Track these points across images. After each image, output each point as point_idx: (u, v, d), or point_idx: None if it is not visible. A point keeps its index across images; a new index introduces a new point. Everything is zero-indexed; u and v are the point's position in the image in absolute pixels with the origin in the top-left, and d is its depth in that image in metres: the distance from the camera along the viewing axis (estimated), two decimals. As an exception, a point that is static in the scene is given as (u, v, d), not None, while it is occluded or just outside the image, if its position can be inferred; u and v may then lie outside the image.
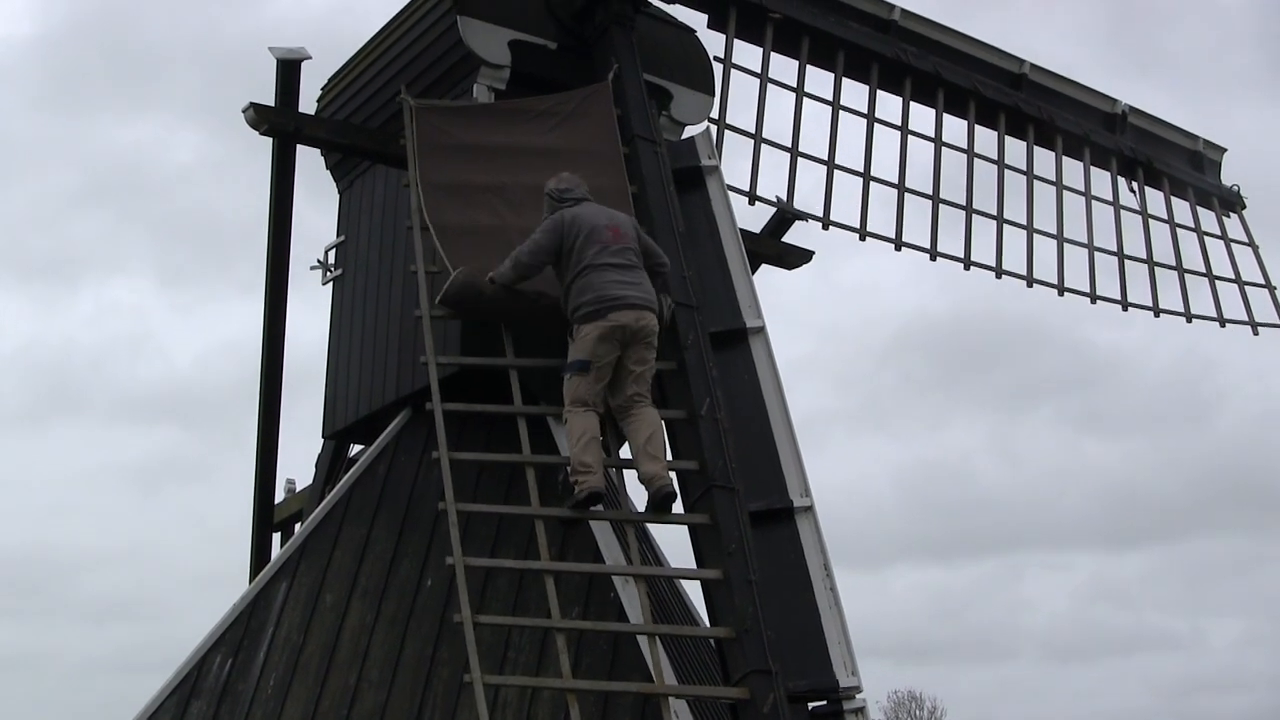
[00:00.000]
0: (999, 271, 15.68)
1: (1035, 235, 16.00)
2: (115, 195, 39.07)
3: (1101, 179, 16.98)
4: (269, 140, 13.25)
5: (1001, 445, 41.11)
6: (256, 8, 37.63)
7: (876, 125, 15.02)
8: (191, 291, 40.06)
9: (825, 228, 14.47)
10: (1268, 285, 17.79)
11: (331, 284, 14.86)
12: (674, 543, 12.06)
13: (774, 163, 14.20)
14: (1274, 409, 40.05)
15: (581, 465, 10.64)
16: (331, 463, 14.62)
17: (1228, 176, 18.41)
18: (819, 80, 14.76)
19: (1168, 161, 17.75)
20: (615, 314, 10.76)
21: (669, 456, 10.90)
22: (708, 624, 10.69)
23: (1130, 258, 16.88)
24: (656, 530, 12.68)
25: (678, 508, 10.82)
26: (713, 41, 14.31)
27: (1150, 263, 17.08)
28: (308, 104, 14.09)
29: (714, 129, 13.74)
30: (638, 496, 11.51)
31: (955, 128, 15.71)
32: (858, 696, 10.06)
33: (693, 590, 12.46)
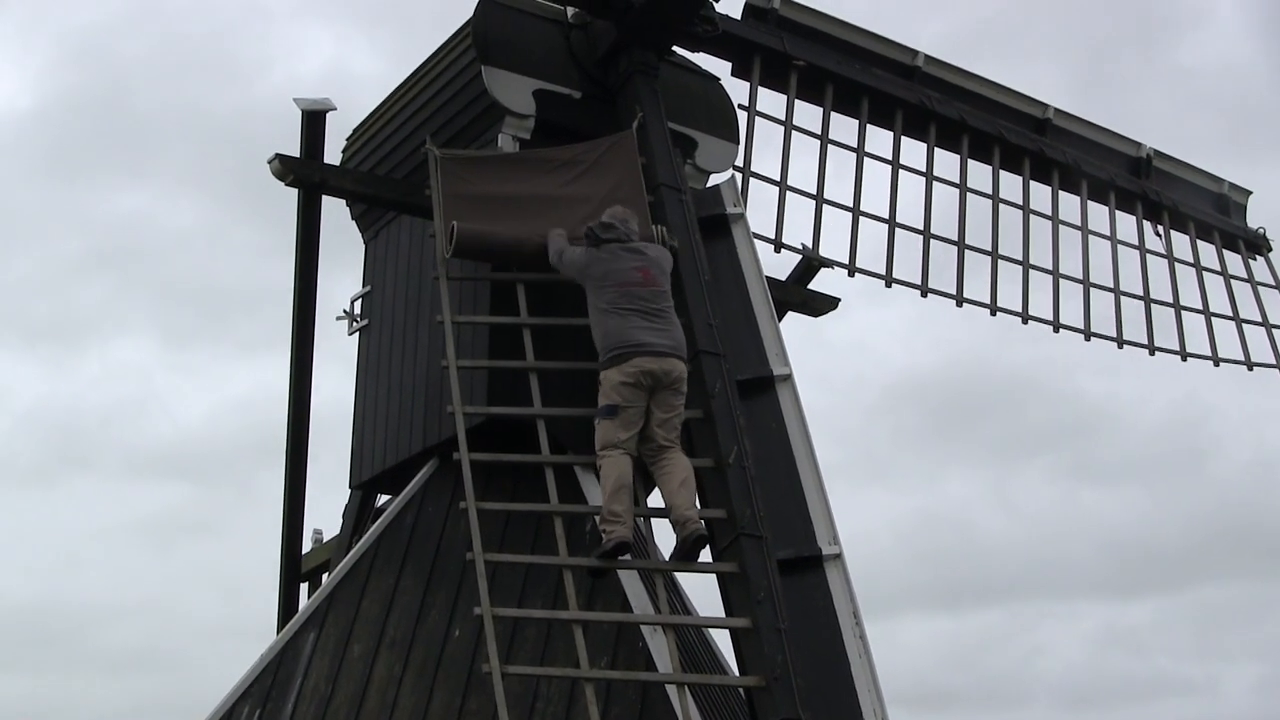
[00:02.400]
0: (1025, 317, 15.66)
1: (1061, 280, 15.97)
2: (116, 261, 39.62)
3: (1127, 223, 16.96)
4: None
5: (999, 496, 41.07)
6: (246, 84, 38.23)
7: (901, 171, 15.03)
8: (194, 352, 40.49)
9: (851, 274, 14.48)
10: (1294, 327, 17.73)
11: (357, 334, 14.86)
12: (702, 591, 12.02)
13: (799, 209, 14.22)
14: (1269, 456, 40.05)
15: (611, 515, 10.59)
16: (358, 513, 14.58)
17: (1254, 219, 18.40)
18: (843, 127, 14.81)
19: (1193, 205, 17.73)
20: (638, 359, 10.76)
21: (698, 504, 10.88)
22: (737, 673, 10.65)
23: (1156, 301, 16.86)
24: (684, 579, 12.63)
25: (706, 555, 10.80)
26: (737, 89, 14.36)
27: (1176, 306, 17.05)
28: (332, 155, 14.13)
29: (739, 176, 13.76)
30: (666, 545, 11.48)
31: (980, 173, 15.72)
32: (889, 745, 10.03)
33: (721, 639, 12.40)
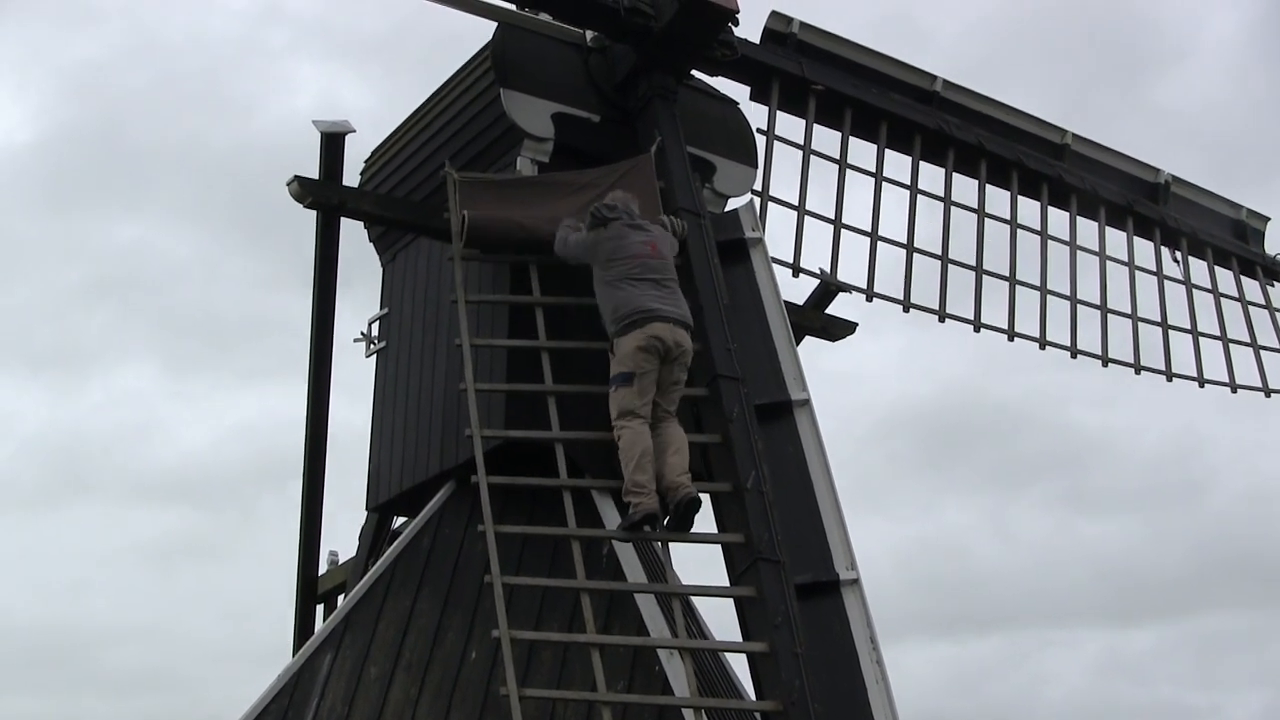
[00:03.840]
0: (1043, 343, 15.65)
1: (1079, 306, 15.96)
2: (116, 290, 40.18)
3: (1144, 249, 16.95)
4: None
5: (995, 524, 41.18)
6: (241, 118, 38.79)
7: (920, 196, 15.04)
8: (195, 380, 41.05)
9: (869, 299, 14.46)
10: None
11: (375, 357, 14.87)
12: (719, 615, 12.01)
13: (817, 234, 14.24)
14: (1264, 487, 40.25)
15: (636, 486, 10.76)
16: (375, 535, 14.59)
17: (1271, 245, 18.37)
18: (862, 152, 14.81)
19: (1211, 230, 17.72)
20: (652, 325, 11.03)
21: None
22: (753, 698, 10.63)
23: (1174, 328, 16.83)
24: (700, 602, 12.61)
25: (723, 579, 10.80)
26: (755, 114, 14.38)
27: (1194, 332, 17.03)
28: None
29: (757, 201, 13.78)
30: (684, 573, 11.48)
31: (998, 198, 15.72)
32: (906, 771, 10.02)
33: (738, 664, 12.37)
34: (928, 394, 40.40)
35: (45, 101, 42.15)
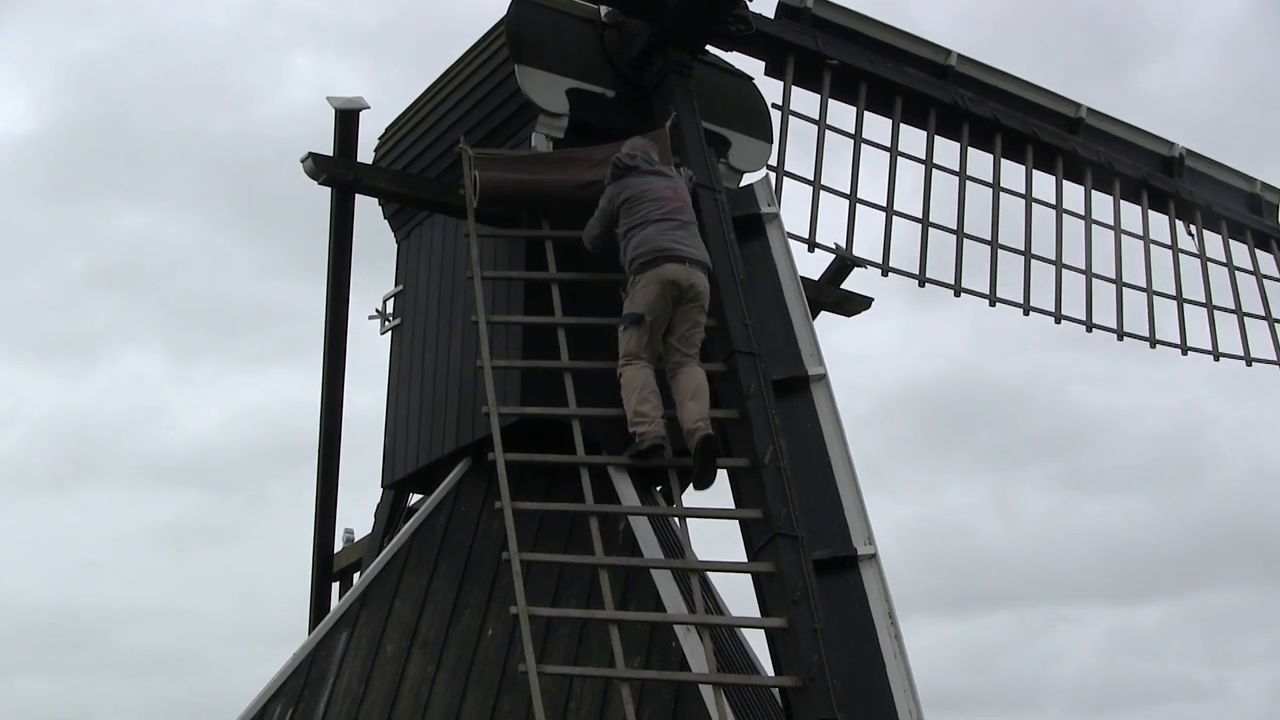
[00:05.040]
0: (1058, 317, 15.62)
1: (1094, 280, 15.93)
2: (122, 278, 40.75)
3: (1160, 223, 16.91)
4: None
5: (999, 503, 41.33)
6: (241, 108, 39.34)
7: (935, 171, 15.00)
8: (201, 366, 41.61)
9: (885, 274, 14.44)
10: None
11: (390, 334, 14.86)
12: (736, 590, 12.02)
13: (832, 209, 14.21)
14: (1265, 464, 40.47)
15: (639, 415, 10.95)
16: (390, 512, 14.58)
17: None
18: (877, 126, 14.78)
19: (1225, 204, 17.67)
20: (668, 265, 11.14)
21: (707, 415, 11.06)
22: (771, 673, 10.63)
23: (1189, 301, 16.81)
24: (717, 578, 12.61)
25: (740, 555, 10.79)
26: (770, 89, 14.34)
27: (1209, 306, 17.01)
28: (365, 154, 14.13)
29: (772, 176, 13.73)
30: (701, 549, 11.47)
31: (1013, 172, 15.68)
32: (925, 746, 10.00)
33: (755, 640, 12.37)
34: (928, 375, 40.58)
35: (49, 94, 42.93)
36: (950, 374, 40.45)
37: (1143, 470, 41.78)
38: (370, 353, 15.32)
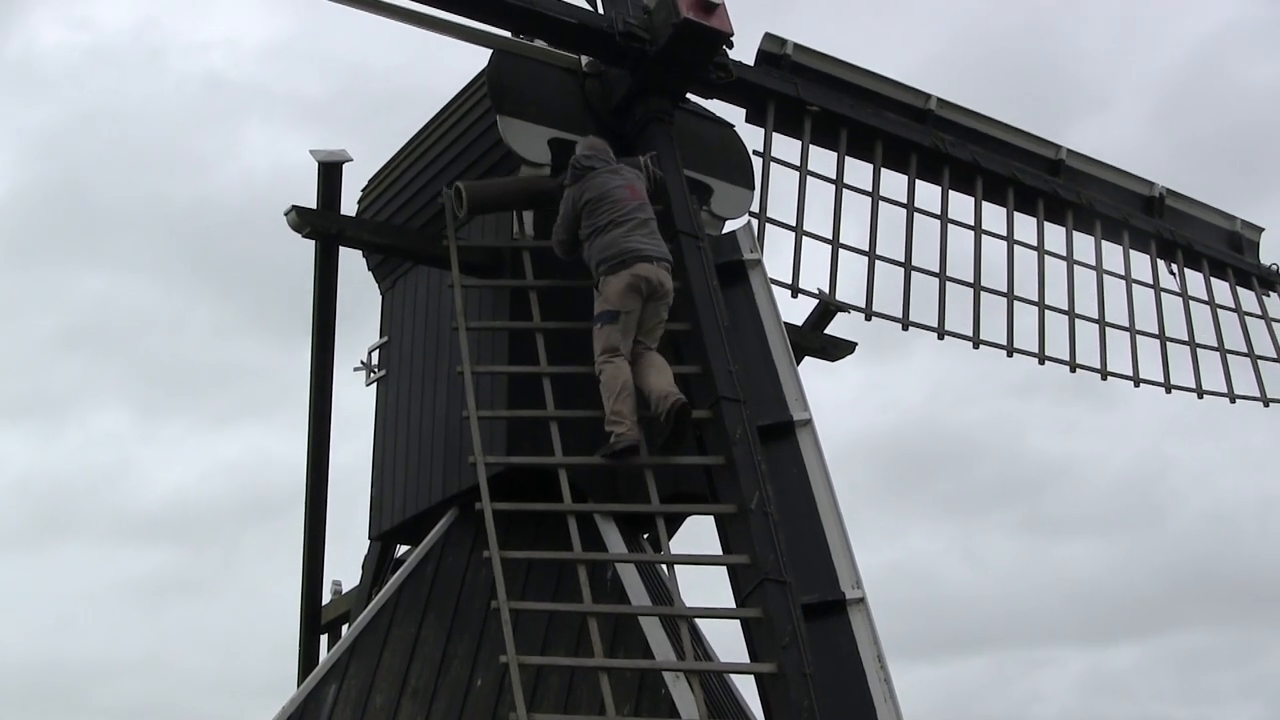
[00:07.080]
0: (1042, 358, 15.64)
1: (1077, 320, 15.97)
2: (87, 340, 41.53)
3: (1141, 262, 16.96)
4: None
5: (963, 549, 41.72)
6: (200, 176, 40.18)
7: (916, 214, 15.05)
8: (168, 423, 42.35)
9: (868, 319, 14.46)
10: (1313, 362, 17.70)
11: (375, 385, 14.87)
12: (724, 638, 12.03)
13: (815, 254, 14.25)
14: (1223, 506, 41.00)
15: (615, 415, 11.17)
16: (378, 564, 14.59)
17: (1266, 255, 18.41)
18: (858, 171, 14.81)
19: (1206, 242, 17.74)
20: (638, 265, 11.50)
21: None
22: (762, 719, 10.62)
23: (1172, 340, 16.84)
24: (705, 626, 12.61)
25: (729, 601, 10.79)
26: (752, 135, 14.39)
27: (1192, 344, 17.03)
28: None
29: (755, 223, 13.76)
30: (689, 596, 11.47)
31: (994, 215, 15.73)
32: (915, 791, 10.01)
33: (744, 686, 12.36)
34: (884, 425, 40.91)
35: (10, 163, 43.81)
36: (906, 423, 40.86)
37: (1105, 514, 42.26)
38: (351, 404, 15.37)
